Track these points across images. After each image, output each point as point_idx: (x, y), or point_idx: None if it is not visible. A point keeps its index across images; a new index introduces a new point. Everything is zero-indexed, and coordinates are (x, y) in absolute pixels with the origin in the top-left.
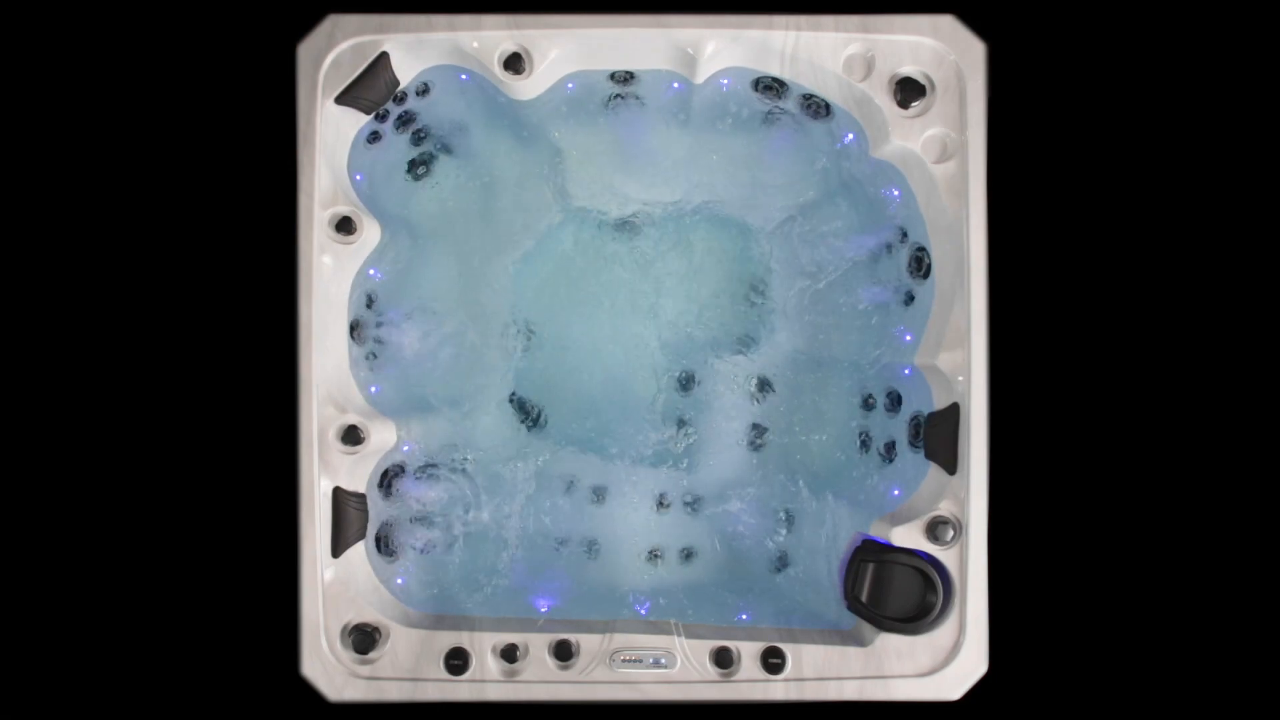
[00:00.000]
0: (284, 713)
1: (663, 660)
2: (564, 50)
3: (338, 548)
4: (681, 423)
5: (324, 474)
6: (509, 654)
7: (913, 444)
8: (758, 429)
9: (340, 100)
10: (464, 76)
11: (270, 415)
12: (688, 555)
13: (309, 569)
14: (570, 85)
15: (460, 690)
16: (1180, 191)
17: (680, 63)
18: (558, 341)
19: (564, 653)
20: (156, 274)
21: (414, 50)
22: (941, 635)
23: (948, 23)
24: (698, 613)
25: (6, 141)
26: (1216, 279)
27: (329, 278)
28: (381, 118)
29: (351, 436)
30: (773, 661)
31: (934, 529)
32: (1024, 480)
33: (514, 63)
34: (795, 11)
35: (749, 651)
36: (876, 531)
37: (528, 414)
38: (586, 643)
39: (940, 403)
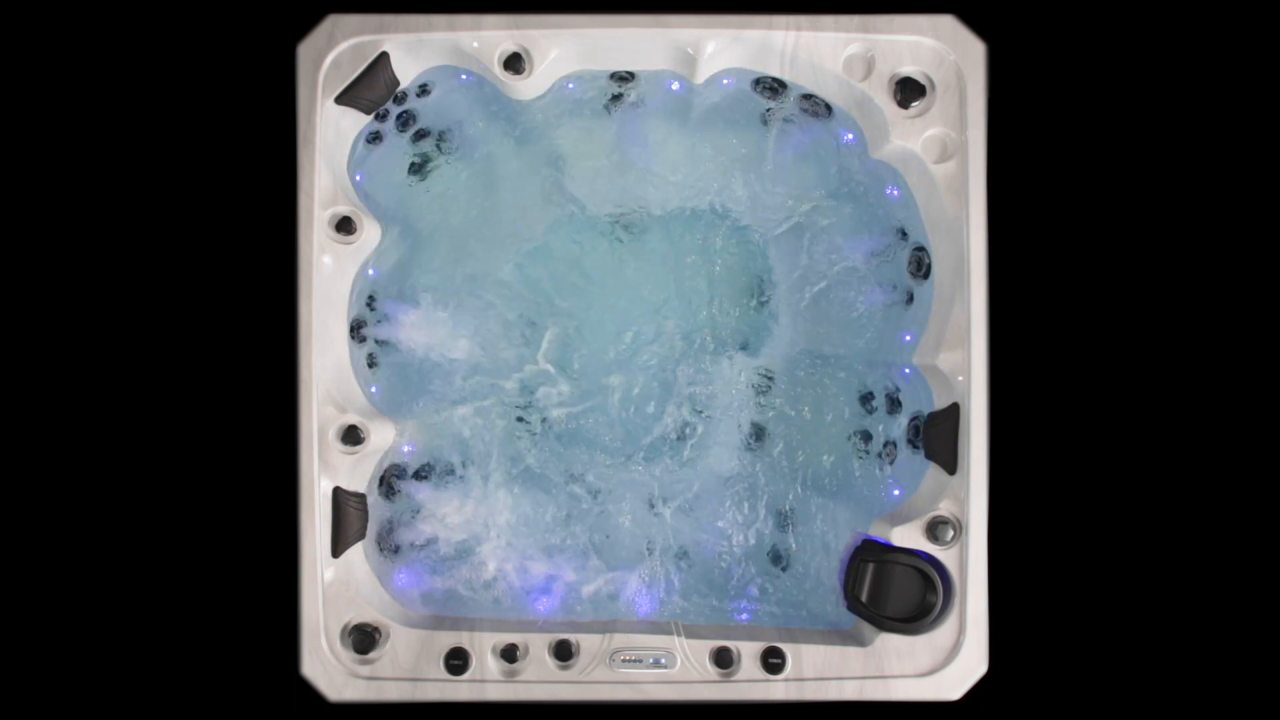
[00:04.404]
0: (284, 713)
1: (663, 660)
2: (564, 50)
3: (338, 548)
4: (681, 422)
5: (324, 474)
6: (509, 654)
7: (913, 444)
8: (758, 428)
9: (340, 100)
10: (464, 76)
11: (270, 415)
12: (685, 554)
13: (309, 569)
14: (570, 85)
15: (460, 690)
16: (1180, 191)
17: (680, 63)
18: (558, 341)
19: (564, 653)
20: (157, 274)
21: (414, 50)
22: (941, 635)
23: (948, 23)
24: (696, 613)
25: (7, 142)
26: (1216, 278)
27: (329, 278)
28: (382, 118)
29: (351, 436)
30: (773, 661)
31: (934, 529)
32: (1024, 480)
33: (514, 63)
34: (795, 11)
35: (749, 651)
36: (876, 531)
37: (527, 412)
38: (586, 643)
39: (940, 403)
